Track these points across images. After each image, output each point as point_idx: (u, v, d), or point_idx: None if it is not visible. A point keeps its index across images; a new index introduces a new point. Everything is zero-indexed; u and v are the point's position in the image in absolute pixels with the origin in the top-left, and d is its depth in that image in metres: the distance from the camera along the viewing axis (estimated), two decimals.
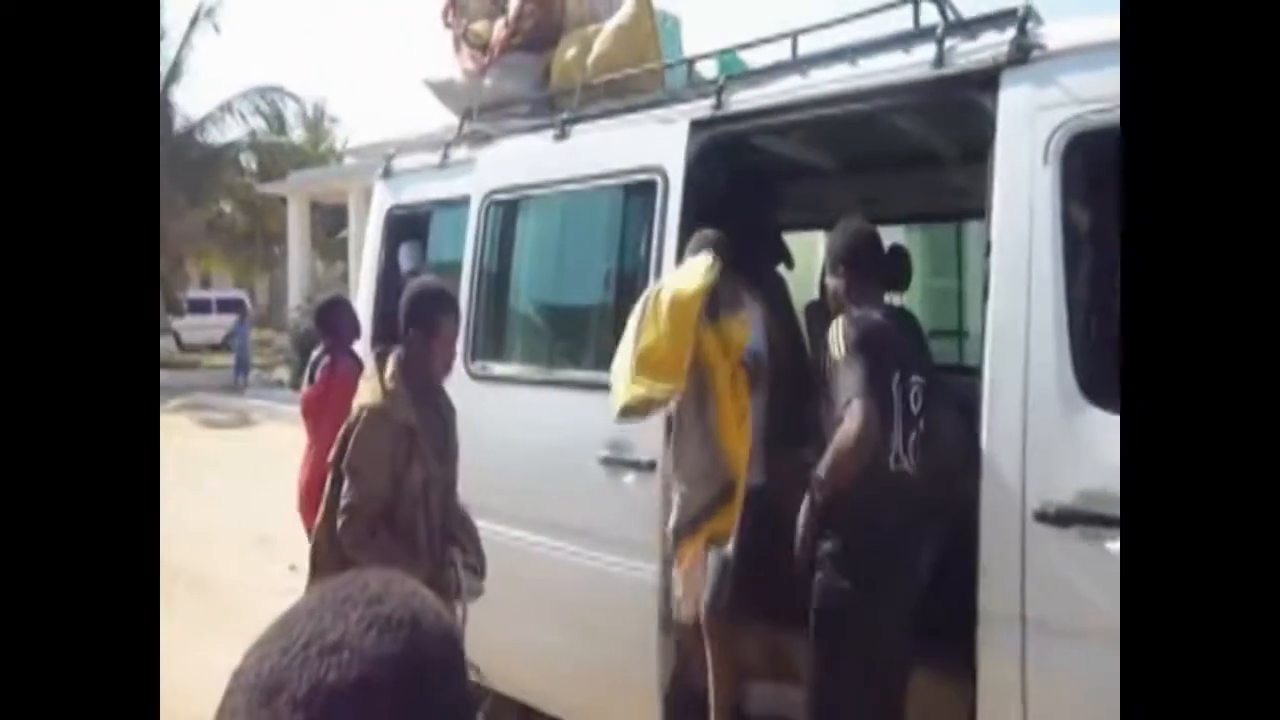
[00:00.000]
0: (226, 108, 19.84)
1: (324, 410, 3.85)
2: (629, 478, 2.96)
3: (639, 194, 3.14)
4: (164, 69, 19.26)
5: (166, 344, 21.30)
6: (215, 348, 23.41)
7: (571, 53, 3.65)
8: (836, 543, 2.39)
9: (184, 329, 23.88)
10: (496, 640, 3.13)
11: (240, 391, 16.43)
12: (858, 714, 2.41)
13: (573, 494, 3.13)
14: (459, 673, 0.61)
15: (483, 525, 3.40)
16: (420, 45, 5.48)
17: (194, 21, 19.10)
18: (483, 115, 3.83)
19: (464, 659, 0.63)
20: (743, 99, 2.88)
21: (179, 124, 19.79)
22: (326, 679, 0.53)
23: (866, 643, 2.37)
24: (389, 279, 4.22)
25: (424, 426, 2.53)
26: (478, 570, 2.68)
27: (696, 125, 2.94)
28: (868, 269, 2.61)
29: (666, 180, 2.97)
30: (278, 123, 21.99)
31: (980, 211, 2.38)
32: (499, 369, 3.51)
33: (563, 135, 3.36)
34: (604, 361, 3.31)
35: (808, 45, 2.85)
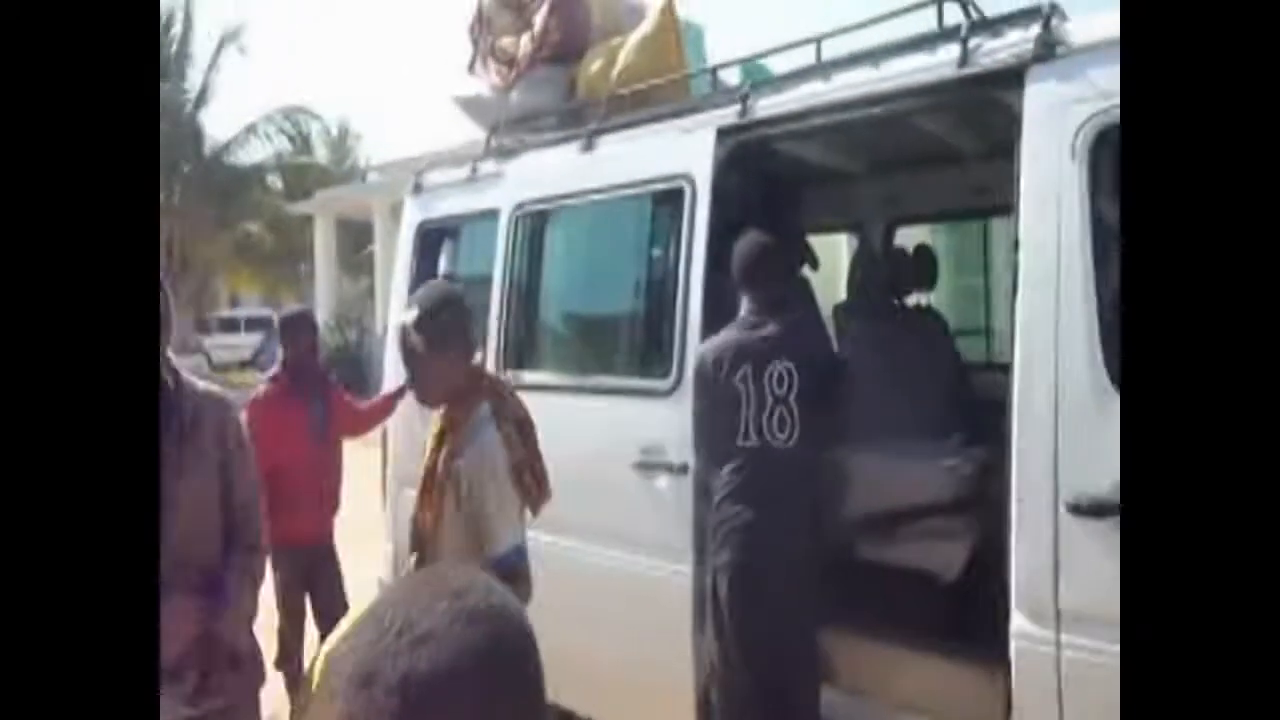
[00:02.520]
0: (252, 130, 20.19)
1: None
2: (662, 481, 2.99)
3: (667, 202, 3.18)
4: (192, 94, 19.64)
5: (197, 362, 21.59)
6: (244, 365, 23.71)
7: (597, 65, 3.71)
8: (713, 519, 2.81)
9: (214, 348, 24.22)
10: None
11: None
12: (753, 670, 2.73)
13: (606, 498, 3.16)
14: (535, 664, 0.65)
15: None
16: (443, 61, 5.57)
17: (220, 45, 19.47)
18: (510, 129, 3.90)
19: (538, 652, 0.66)
20: (768, 105, 2.91)
21: (207, 147, 20.15)
22: (418, 667, 0.57)
23: (752, 606, 2.74)
24: None
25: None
26: None
27: (723, 132, 2.98)
28: (747, 281, 2.91)
29: (694, 187, 3.01)
30: (302, 142, 22.33)
31: (1007, 209, 2.40)
32: (530, 377, 3.55)
33: (590, 146, 3.41)
34: (634, 368, 3.37)
35: (831, 50, 2.89)
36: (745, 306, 2.91)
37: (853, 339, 3.69)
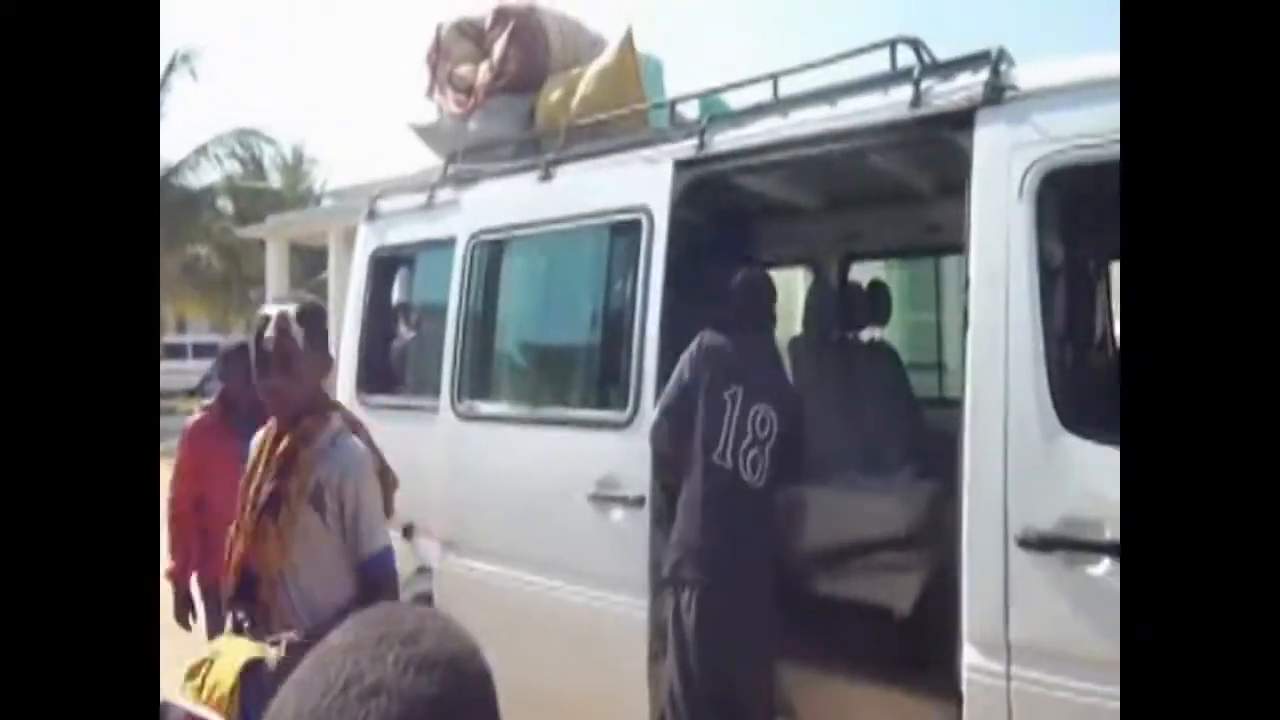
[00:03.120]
0: (202, 151, 19.86)
1: None
2: (617, 514, 2.97)
3: (624, 233, 3.19)
4: None
5: None
6: (191, 393, 23.17)
7: (556, 95, 3.72)
8: (679, 539, 2.81)
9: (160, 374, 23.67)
10: None
11: None
12: (708, 694, 2.72)
13: (561, 531, 3.13)
14: (492, 711, 0.62)
15: (471, 564, 3.41)
16: (401, 87, 5.55)
17: (171, 67, 19.18)
18: (468, 157, 3.88)
19: (495, 696, 0.64)
20: (726, 139, 2.95)
21: None
22: None
23: (717, 631, 2.74)
24: (374, 322, 4.24)
25: None
26: None
27: (681, 165, 3.00)
28: (746, 312, 3.04)
29: (652, 219, 3.03)
30: (255, 166, 22.02)
31: (957, 247, 2.44)
32: (486, 408, 3.52)
33: (548, 176, 3.41)
34: (591, 400, 3.35)
35: (788, 87, 2.93)
36: (739, 333, 2.97)
37: (807, 372, 3.72)
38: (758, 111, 2.96)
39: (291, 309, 2.02)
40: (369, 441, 2.18)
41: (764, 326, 3.09)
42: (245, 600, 2.07)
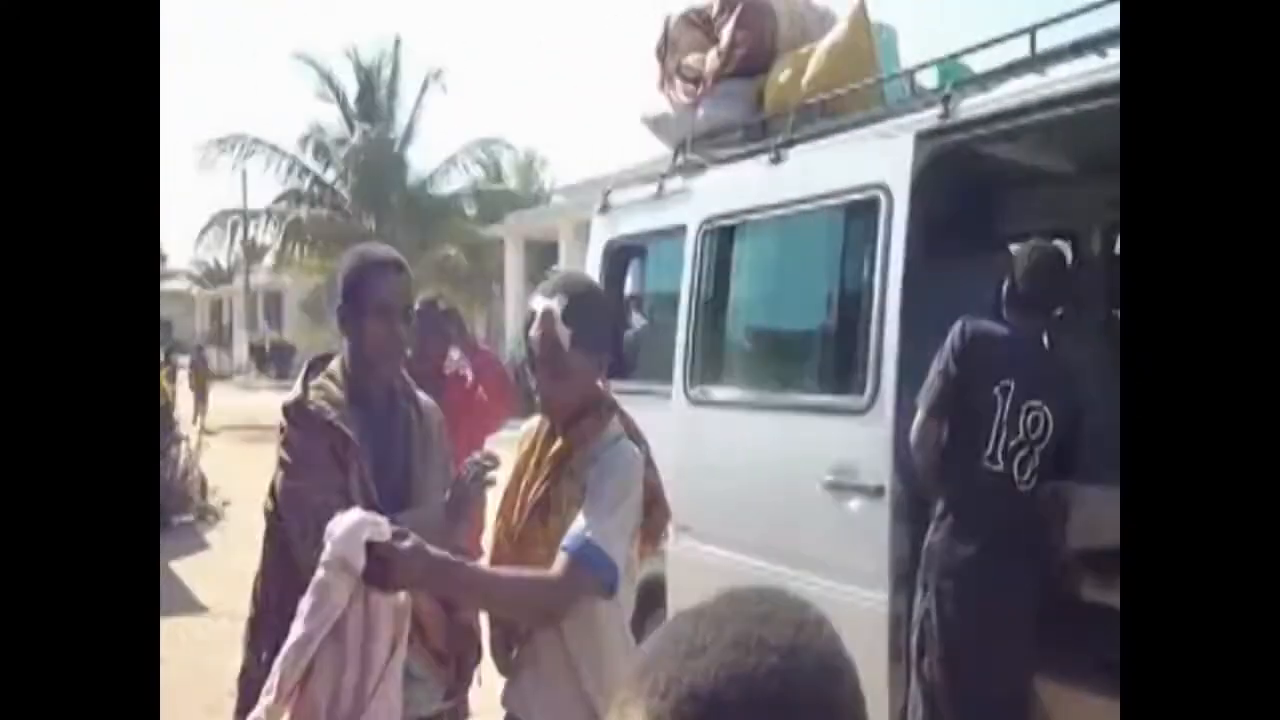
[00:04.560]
0: (452, 161, 21.61)
1: None
2: (855, 503, 2.86)
3: (861, 213, 3.05)
4: (399, 132, 21.28)
5: None
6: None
7: (785, 75, 3.63)
8: (936, 535, 2.66)
9: None
10: None
11: None
12: (965, 707, 2.58)
13: (796, 519, 3.07)
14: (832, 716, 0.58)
15: (703, 549, 3.41)
16: (629, 81, 5.68)
17: (425, 86, 20.93)
18: (697, 145, 3.89)
19: (848, 712, 0.60)
20: (973, 105, 2.73)
21: (411, 179, 21.72)
22: (682, 679, 0.55)
23: (972, 644, 2.59)
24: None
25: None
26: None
27: (922, 137, 2.82)
28: (1029, 292, 2.76)
29: (890, 197, 2.87)
30: (495, 170, 23.57)
31: None
32: (719, 393, 3.52)
33: (778, 159, 3.34)
34: (827, 385, 3.25)
35: (1046, 41, 2.66)
36: (1014, 319, 2.76)
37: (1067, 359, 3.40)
38: (1011, 71, 2.72)
39: (557, 305, 1.78)
40: (649, 456, 1.89)
41: (1045, 311, 2.79)
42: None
